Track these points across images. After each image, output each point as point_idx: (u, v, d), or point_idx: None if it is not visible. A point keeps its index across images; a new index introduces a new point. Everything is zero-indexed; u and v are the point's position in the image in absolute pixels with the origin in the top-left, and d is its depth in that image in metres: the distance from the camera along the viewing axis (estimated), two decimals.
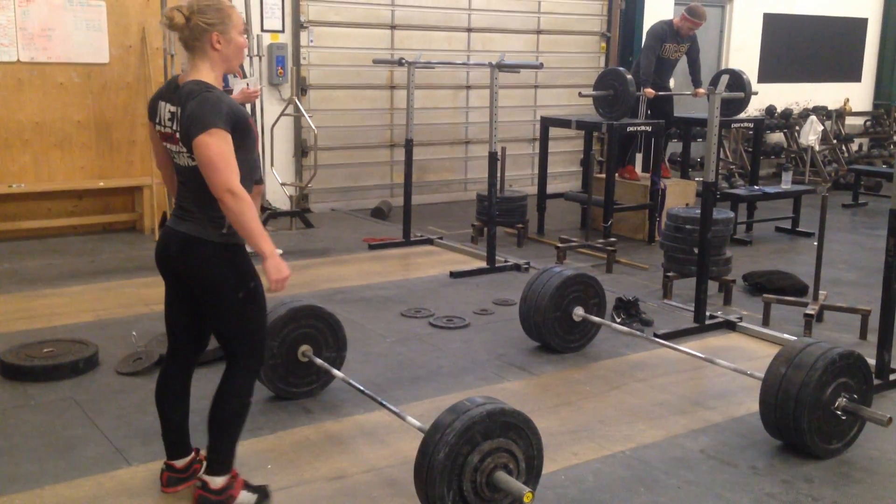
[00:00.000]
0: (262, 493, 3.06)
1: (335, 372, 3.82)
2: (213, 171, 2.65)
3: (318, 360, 3.84)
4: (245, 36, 2.90)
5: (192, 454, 3.16)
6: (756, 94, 8.19)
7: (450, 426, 2.78)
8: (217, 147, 2.65)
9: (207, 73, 2.80)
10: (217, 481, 2.93)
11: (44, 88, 7.07)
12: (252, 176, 2.91)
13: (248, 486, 3.03)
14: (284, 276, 2.80)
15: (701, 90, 7.89)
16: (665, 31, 7.88)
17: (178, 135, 2.77)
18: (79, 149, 7.30)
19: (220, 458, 2.95)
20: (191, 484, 3.07)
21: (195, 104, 2.69)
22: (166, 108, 2.84)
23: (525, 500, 2.73)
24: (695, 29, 7.93)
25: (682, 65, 8.30)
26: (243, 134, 2.79)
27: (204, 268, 2.85)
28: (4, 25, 6.81)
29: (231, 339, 2.96)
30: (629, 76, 7.34)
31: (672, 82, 8.64)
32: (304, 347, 3.84)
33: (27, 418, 3.71)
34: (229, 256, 2.87)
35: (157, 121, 2.89)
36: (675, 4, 10.54)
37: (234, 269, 2.87)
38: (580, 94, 7.67)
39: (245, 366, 2.97)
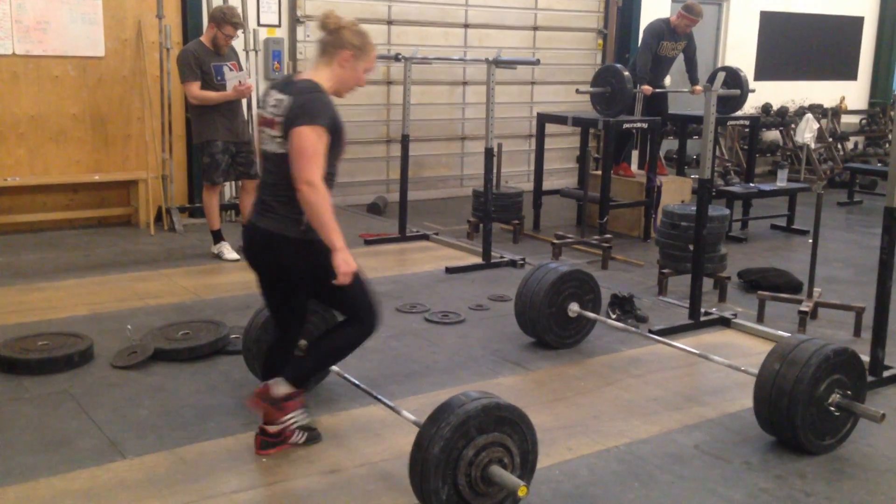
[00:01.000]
0: (311, 430, 3.35)
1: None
2: (302, 159, 2.87)
3: None
4: (367, 74, 3.17)
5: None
6: (754, 91, 8.20)
7: (445, 420, 2.78)
8: (313, 140, 2.88)
9: (324, 80, 3.06)
10: (283, 388, 3.19)
11: (39, 82, 7.06)
12: (329, 182, 3.07)
13: (302, 410, 3.30)
14: (352, 269, 2.99)
15: (698, 87, 7.89)
16: (662, 29, 7.89)
17: (277, 119, 2.96)
18: (74, 142, 7.28)
19: (298, 372, 3.22)
20: (282, 449, 3.31)
21: (308, 99, 2.93)
22: (273, 96, 3.04)
23: (520, 493, 2.75)
24: (692, 26, 7.94)
25: (679, 63, 8.32)
26: (336, 142, 3.03)
27: (289, 264, 3.08)
28: (0, 18, 6.78)
29: (343, 309, 3.22)
30: (626, 73, 7.34)
31: (668, 80, 8.64)
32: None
33: (22, 411, 3.71)
34: (310, 251, 3.03)
35: (261, 106, 3.10)
36: (672, 2, 10.54)
37: (318, 261, 3.03)
38: (577, 91, 7.67)
39: (366, 324, 3.20)
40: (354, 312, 3.21)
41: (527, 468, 2.96)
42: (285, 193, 3.02)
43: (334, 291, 3.10)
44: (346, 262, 2.97)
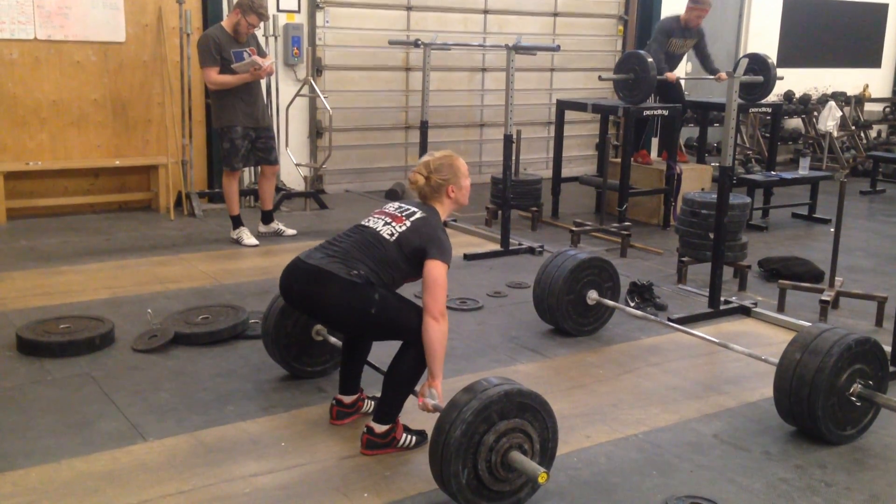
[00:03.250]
0: (422, 435, 3.35)
1: None
2: (436, 290, 3.15)
3: (332, 339, 3.86)
4: (469, 178, 3.44)
5: (358, 394, 3.56)
6: (782, 78, 8.09)
7: (467, 405, 2.79)
8: (444, 276, 3.18)
9: (443, 214, 3.37)
10: (381, 427, 3.27)
11: (61, 66, 7.09)
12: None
13: (407, 430, 3.33)
14: (435, 405, 3.16)
15: (723, 74, 7.83)
16: (672, 27, 7.82)
17: (405, 221, 3.24)
18: (95, 127, 7.32)
19: (387, 410, 3.28)
20: (354, 419, 3.51)
21: (437, 227, 3.25)
22: (400, 203, 3.39)
23: (539, 480, 2.75)
24: (703, 17, 7.81)
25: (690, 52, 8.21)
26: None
27: (324, 298, 3.18)
28: (22, 3, 6.82)
29: (398, 336, 3.27)
30: (650, 60, 7.27)
31: (689, 67, 8.56)
32: (318, 326, 3.86)
33: (44, 393, 3.74)
34: (348, 287, 3.14)
35: (388, 206, 3.39)
36: None
37: (358, 295, 3.15)
38: (600, 78, 7.61)
39: (417, 343, 3.20)
40: (410, 336, 3.22)
41: (546, 455, 2.96)
42: (355, 255, 3.19)
43: (381, 327, 3.22)
44: (439, 394, 3.17)
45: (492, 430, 2.80)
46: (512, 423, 2.84)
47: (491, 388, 2.83)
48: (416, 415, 3.40)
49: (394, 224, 3.24)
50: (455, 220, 7.23)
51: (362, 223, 3.34)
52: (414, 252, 3.19)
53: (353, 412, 3.56)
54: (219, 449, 3.29)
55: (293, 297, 3.31)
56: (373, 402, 3.59)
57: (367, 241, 3.22)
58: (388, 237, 3.21)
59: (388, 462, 3.22)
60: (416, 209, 3.29)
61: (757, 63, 7.76)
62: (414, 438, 3.33)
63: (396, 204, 3.38)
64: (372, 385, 3.90)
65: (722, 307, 5.05)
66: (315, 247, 3.33)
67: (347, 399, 3.54)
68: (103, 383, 3.85)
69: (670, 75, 7.62)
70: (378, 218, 3.31)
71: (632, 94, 7.38)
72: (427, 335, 3.13)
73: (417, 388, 3.29)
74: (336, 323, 3.42)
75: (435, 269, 3.17)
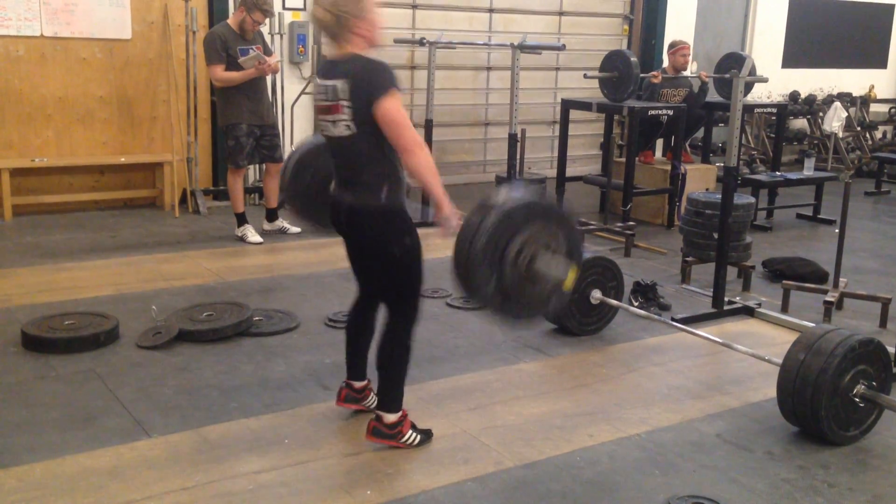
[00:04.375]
0: (427, 435, 3.36)
1: None
2: (402, 128, 2.97)
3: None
4: (379, 13, 3.12)
5: (367, 381, 3.56)
6: (766, 80, 8.17)
7: (489, 213, 2.75)
8: (397, 107, 2.96)
9: (359, 50, 3.07)
10: (390, 417, 3.26)
11: (67, 63, 7.11)
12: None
13: (414, 427, 3.33)
14: (456, 224, 3.05)
15: (703, 73, 8.09)
16: (654, 84, 7.89)
17: (341, 104, 3.00)
18: (101, 124, 7.33)
19: (389, 397, 3.27)
20: (359, 407, 3.52)
21: (366, 72, 2.97)
22: (320, 83, 3.09)
23: (565, 285, 2.77)
24: (686, 54, 8.01)
25: (704, 48, 8.22)
26: None
27: (367, 231, 3.16)
28: (28, 0, 6.83)
29: (389, 290, 3.25)
30: (634, 58, 7.38)
31: (695, 65, 8.56)
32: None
33: (48, 389, 3.76)
34: (388, 219, 3.13)
35: (315, 96, 3.16)
36: None
37: (393, 230, 3.13)
38: (585, 76, 7.68)
39: (403, 314, 3.23)
40: (401, 300, 3.21)
41: (574, 258, 2.93)
42: (361, 171, 3.10)
43: (388, 268, 3.19)
44: (453, 213, 3.05)
45: (515, 238, 2.76)
46: (535, 228, 2.79)
47: (512, 200, 2.79)
48: (423, 415, 3.40)
49: (339, 116, 3.02)
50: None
51: (325, 135, 3.16)
52: (373, 111, 2.99)
53: (361, 399, 3.56)
54: (222, 445, 3.30)
55: (343, 227, 3.28)
56: (418, 436, 3.47)
57: (352, 151, 3.08)
58: (347, 133, 3.03)
59: (391, 460, 3.23)
60: (336, 83, 3.00)
61: (735, 62, 7.89)
62: (419, 437, 3.32)
63: (321, 87, 3.08)
64: (373, 382, 3.91)
65: (726, 307, 5.05)
66: (336, 183, 3.23)
67: (358, 384, 3.55)
68: (107, 380, 3.86)
69: (656, 74, 7.87)
70: (326, 122, 3.10)
71: (616, 91, 7.49)
72: (414, 171, 3.01)
73: None
74: (365, 248, 3.27)
75: (382, 108, 2.94)
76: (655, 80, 7.80)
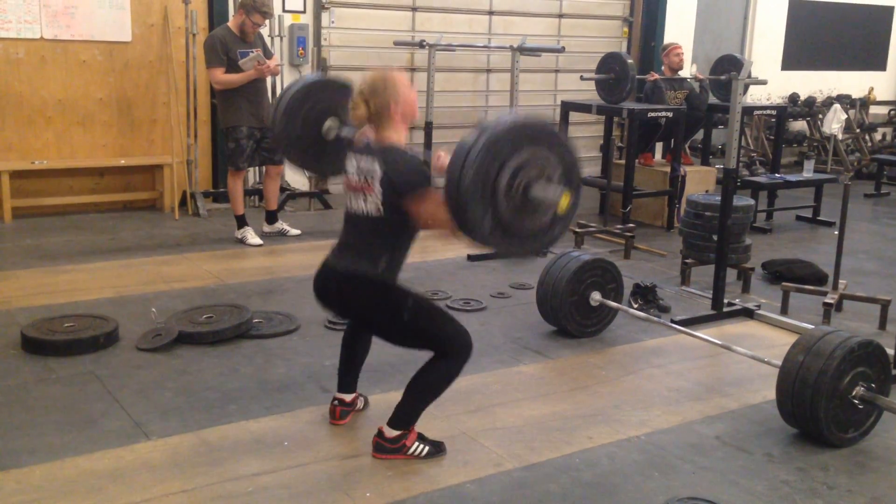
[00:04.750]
0: (436, 447, 3.29)
1: None
2: (436, 223, 2.96)
3: (345, 131, 3.72)
4: (414, 89, 3.22)
5: (357, 392, 3.58)
6: (765, 83, 8.21)
7: (473, 146, 2.62)
8: (433, 207, 2.94)
9: (395, 136, 3.16)
10: (393, 432, 3.22)
11: (67, 66, 7.11)
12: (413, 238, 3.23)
13: (422, 438, 3.27)
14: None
15: (698, 73, 8.19)
16: (662, 86, 7.90)
17: (374, 188, 3.06)
18: (100, 126, 7.34)
19: (404, 416, 3.23)
20: (350, 417, 3.51)
21: (402, 166, 3.04)
22: (356, 161, 3.16)
23: (560, 207, 2.70)
24: (680, 53, 8.06)
25: (703, 51, 8.24)
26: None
27: (361, 302, 3.18)
28: (28, 2, 6.84)
29: (427, 347, 3.19)
30: (630, 60, 7.42)
31: (694, 67, 8.58)
32: (329, 122, 3.70)
33: (48, 392, 3.76)
34: (383, 292, 3.14)
35: (346, 171, 3.23)
36: None
37: (391, 301, 3.13)
38: (581, 78, 7.70)
39: (455, 354, 3.16)
40: (440, 347, 3.17)
41: (572, 180, 2.80)
42: (370, 243, 3.14)
43: (411, 334, 3.18)
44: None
45: (505, 168, 2.63)
46: (524, 155, 2.67)
47: (497, 124, 2.66)
48: (422, 417, 3.40)
49: (368, 196, 3.09)
50: None
51: (348, 210, 3.21)
52: (405, 204, 3.05)
53: (353, 409, 3.58)
54: (222, 448, 3.30)
55: (330, 301, 3.28)
56: (364, 400, 3.62)
57: (368, 227, 3.12)
58: (376, 213, 3.08)
59: (391, 462, 3.22)
60: (374, 166, 3.08)
61: (731, 64, 7.99)
62: (426, 448, 3.26)
63: (353, 166, 3.17)
64: (364, 383, 3.92)
65: (725, 309, 5.05)
66: (335, 249, 3.26)
67: (348, 397, 3.55)
68: (107, 382, 3.86)
69: (652, 74, 7.94)
70: (355, 197, 3.17)
71: (611, 94, 7.53)
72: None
73: None
74: (370, 324, 3.33)
75: (415, 206, 3.01)
76: (651, 80, 7.83)
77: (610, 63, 7.58)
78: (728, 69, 7.89)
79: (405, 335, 3.21)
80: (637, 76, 7.65)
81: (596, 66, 7.73)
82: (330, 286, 3.22)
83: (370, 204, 3.10)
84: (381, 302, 3.13)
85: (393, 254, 3.15)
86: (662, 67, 8.17)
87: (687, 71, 8.43)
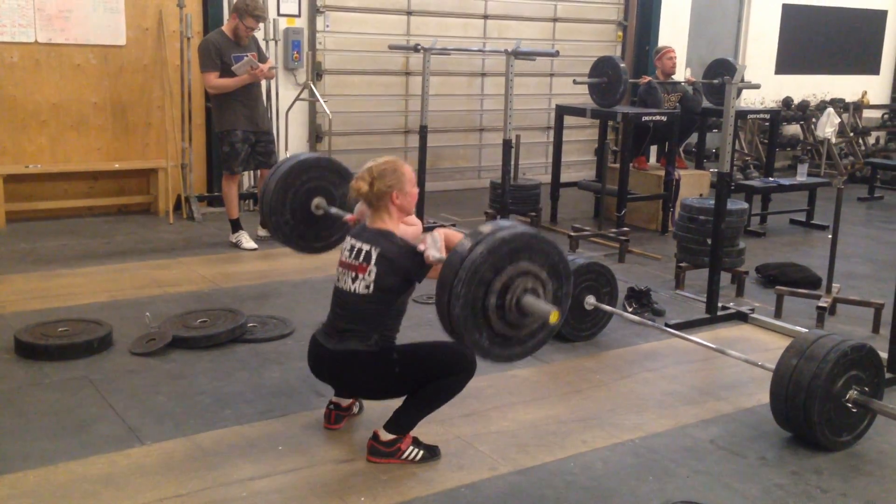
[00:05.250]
0: (431, 451, 3.30)
1: None
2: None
3: (333, 211, 3.94)
4: (415, 187, 3.34)
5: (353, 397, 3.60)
6: (758, 87, 8.23)
7: (455, 277, 2.68)
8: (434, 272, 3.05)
9: (390, 224, 3.27)
10: (388, 436, 3.24)
11: (61, 70, 7.10)
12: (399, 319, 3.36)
13: (416, 443, 3.28)
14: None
15: (691, 76, 8.22)
16: (655, 87, 7.92)
17: (369, 269, 3.18)
18: (95, 130, 7.33)
19: (402, 422, 3.24)
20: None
21: (399, 256, 3.16)
22: (351, 243, 3.30)
23: (551, 320, 2.75)
24: (673, 56, 8.10)
25: (698, 55, 8.26)
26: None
27: (355, 376, 3.25)
28: (23, 6, 6.84)
29: (431, 380, 3.21)
30: (622, 65, 7.45)
31: (688, 71, 8.61)
32: (317, 200, 3.90)
33: (41, 396, 3.75)
34: (373, 359, 3.21)
35: (343, 251, 3.34)
36: None
37: (380, 364, 3.20)
38: (574, 82, 7.72)
39: (459, 374, 3.22)
40: (444, 374, 3.21)
41: (562, 276, 2.90)
42: (359, 323, 3.21)
43: (410, 381, 3.22)
44: (440, 238, 3.15)
45: (490, 291, 2.72)
46: (509, 272, 2.75)
47: (473, 252, 2.71)
48: (430, 429, 3.40)
49: (361, 276, 3.20)
50: (454, 225, 7.24)
51: (337, 286, 3.30)
52: (398, 286, 3.20)
53: (348, 414, 3.58)
54: (216, 453, 3.30)
55: (325, 377, 3.38)
56: (359, 404, 3.63)
57: (356, 307, 3.21)
58: (365, 291, 3.18)
59: (385, 466, 3.22)
60: (369, 247, 3.21)
61: (724, 67, 8.02)
62: (421, 453, 3.27)
63: (349, 245, 3.30)
64: None
65: (719, 313, 5.06)
66: (326, 325, 3.34)
67: (344, 402, 3.56)
68: (101, 386, 3.86)
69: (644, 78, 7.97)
70: (345, 274, 3.26)
71: (604, 98, 7.56)
72: None
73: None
74: (371, 394, 3.41)
75: (431, 270, 3.16)
76: (644, 84, 7.86)
77: (602, 67, 7.62)
78: (720, 73, 7.93)
79: (406, 385, 3.24)
80: (630, 80, 7.67)
81: (588, 86, 7.75)
82: (322, 365, 3.32)
83: (360, 283, 3.20)
84: (371, 371, 3.21)
85: (382, 332, 3.23)
86: (656, 71, 8.20)
87: (680, 75, 8.46)
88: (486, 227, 2.82)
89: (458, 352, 3.20)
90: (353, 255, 3.25)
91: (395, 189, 3.26)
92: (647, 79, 7.91)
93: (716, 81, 7.97)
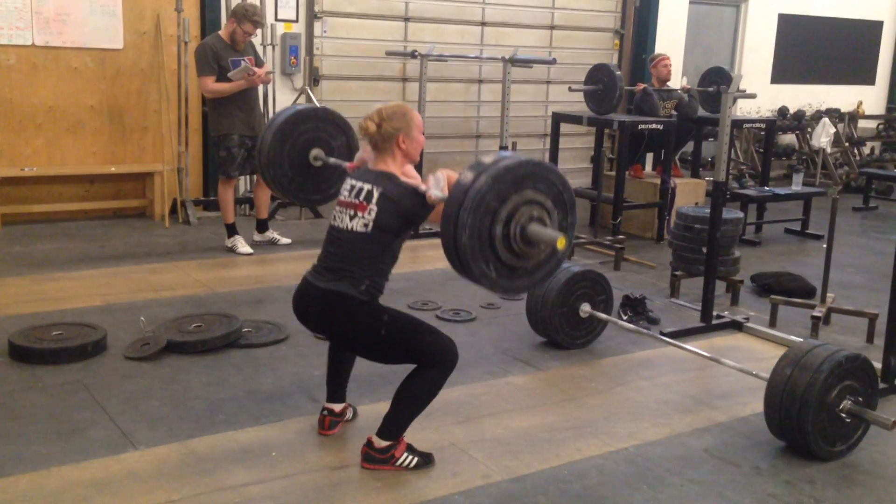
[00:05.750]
0: (426, 458, 3.29)
1: None
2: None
3: (332, 161, 3.92)
4: (423, 134, 3.31)
5: (346, 402, 3.58)
6: (754, 96, 8.24)
7: (461, 206, 2.67)
8: (440, 210, 2.94)
9: (394, 167, 3.22)
10: (382, 443, 3.22)
11: (58, 73, 7.10)
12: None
13: (410, 450, 3.26)
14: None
15: (686, 85, 8.26)
16: (652, 93, 7.95)
17: (369, 207, 3.13)
18: (91, 134, 7.32)
19: (393, 427, 3.22)
20: (340, 427, 3.51)
21: (402, 196, 3.11)
22: (351, 183, 3.24)
23: (559, 245, 2.74)
24: (667, 64, 8.14)
25: (694, 64, 8.29)
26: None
27: (340, 321, 3.18)
28: (20, 9, 6.83)
29: (411, 359, 3.20)
30: (618, 72, 7.49)
31: (685, 80, 8.63)
32: (315, 151, 3.87)
33: (35, 400, 3.74)
34: (361, 310, 3.15)
35: (343, 191, 3.29)
36: (690, 3, 10.50)
37: (367, 318, 3.16)
38: (570, 90, 7.75)
39: (439, 364, 3.17)
40: (422, 359, 3.19)
41: (565, 206, 2.88)
42: (352, 263, 3.16)
43: (390, 349, 3.19)
44: (444, 177, 3.06)
45: (497, 220, 2.71)
46: (514, 201, 2.74)
47: (477, 181, 2.70)
48: (411, 427, 3.40)
49: (360, 214, 3.14)
50: None
51: (333, 224, 3.25)
52: (398, 226, 3.14)
53: (342, 420, 3.57)
54: (209, 458, 3.29)
55: (309, 319, 3.30)
56: (353, 410, 3.61)
57: (353, 246, 3.16)
58: (363, 230, 3.13)
59: (379, 473, 3.21)
60: (370, 186, 3.16)
61: (719, 75, 8.06)
62: (416, 459, 3.25)
63: (349, 185, 3.25)
64: (352, 393, 3.91)
65: (714, 322, 5.07)
66: (317, 265, 3.27)
67: (338, 408, 3.55)
68: (95, 391, 3.84)
69: (640, 84, 8.03)
70: (342, 213, 3.22)
71: (600, 105, 7.60)
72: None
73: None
74: (350, 343, 3.32)
75: (432, 213, 3.11)
76: (639, 91, 7.90)
77: (598, 74, 7.65)
78: (716, 81, 7.97)
79: (385, 351, 3.21)
80: (626, 87, 7.70)
81: (583, 94, 7.78)
82: (309, 304, 3.25)
83: (358, 221, 3.15)
84: (358, 320, 3.15)
85: (374, 277, 3.18)
86: (651, 79, 8.23)
87: (676, 83, 8.48)
88: (488, 158, 2.81)
89: (444, 342, 3.19)
90: (353, 195, 3.20)
91: (402, 132, 3.22)
92: (642, 86, 7.95)
93: (711, 89, 7.99)
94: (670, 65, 8.20)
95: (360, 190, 3.18)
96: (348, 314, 3.15)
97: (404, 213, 3.13)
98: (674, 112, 8.04)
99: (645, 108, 7.91)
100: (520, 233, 2.75)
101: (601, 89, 7.56)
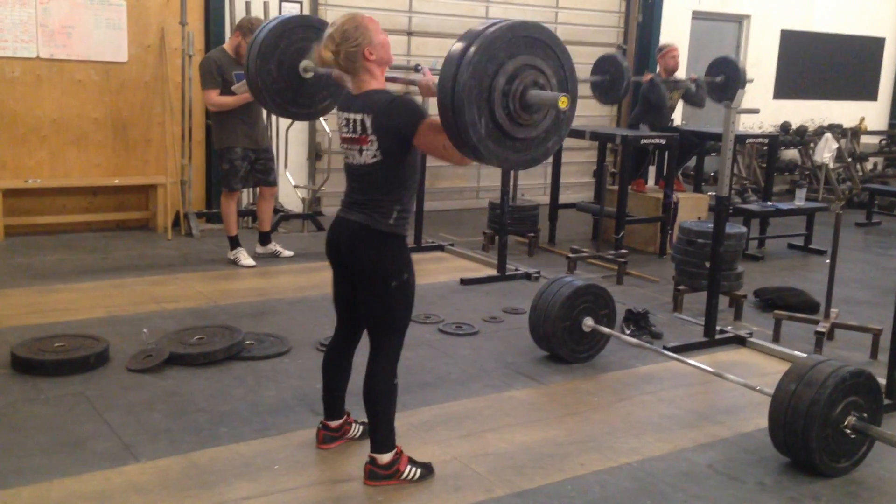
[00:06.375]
0: (426, 468, 3.29)
1: None
2: (444, 153, 2.97)
3: (321, 70, 3.72)
4: (384, 32, 3.15)
5: (345, 417, 3.54)
6: (752, 80, 8.23)
7: (468, 49, 2.60)
8: (433, 137, 2.97)
9: (375, 84, 3.13)
10: (384, 458, 3.20)
11: (62, 85, 7.12)
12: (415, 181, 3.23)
13: (412, 462, 3.26)
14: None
15: (693, 75, 8.18)
16: (659, 83, 7.95)
17: (368, 137, 3.07)
18: (95, 146, 7.34)
19: (381, 437, 3.21)
20: (341, 443, 3.50)
21: (390, 108, 3.02)
22: (345, 117, 3.17)
23: (560, 105, 2.69)
24: (675, 56, 8.08)
25: (693, 63, 8.30)
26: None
27: (367, 254, 3.15)
28: (25, 22, 6.87)
29: (377, 324, 3.21)
30: (625, 63, 7.55)
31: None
32: (305, 62, 3.73)
33: (37, 412, 3.73)
34: (391, 245, 3.16)
35: (340, 128, 3.22)
36: (693, 19, 10.54)
37: (393, 258, 3.16)
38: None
39: (386, 352, 3.20)
40: (378, 334, 3.19)
41: (566, 88, 2.83)
42: (376, 194, 3.14)
43: (381, 301, 3.17)
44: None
45: (501, 70, 2.64)
46: (521, 59, 2.68)
47: (489, 28, 2.65)
48: (414, 442, 3.39)
49: (365, 147, 3.10)
50: (452, 245, 7.25)
51: (347, 162, 3.21)
52: (402, 142, 3.06)
53: (340, 436, 3.53)
54: (211, 471, 3.28)
55: (340, 249, 3.23)
56: (361, 427, 3.57)
57: (374, 177, 3.12)
58: (375, 160, 3.09)
59: (381, 487, 3.20)
60: (361, 116, 3.08)
61: (725, 66, 8.03)
62: (419, 471, 3.25)
63: (343, 120, 3.18)
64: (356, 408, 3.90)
65: (717, 336, 5.05)
66: (345, 200, 3.25)
67: (333, 423, 3.52)
68: (97, 403, 3.84)
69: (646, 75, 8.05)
70: (351, 149, 3.17)
71: (607, 95, 7.67)
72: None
73: None
74: (364, 275, 3.19)
75: (419, 142, 3.04)
76: (646, 81, 7.88)
77: (604, 65, 7.65)
78: (723, 72, 7.95)
79: (378, 301, 3.16)
80: (633, 77, 7.70)
81: (587, 91, 7.78)
82: (342, 233, 3.21)
83: (367, 154, 3.11)
84: (384, 254, 3.13)
85: (401, 201, 3.14)
86: (658, 70, 8.15)
87: (682, 76, 8.45)
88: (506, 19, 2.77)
89: (401, 341, 3.23)
90: (350, 129, 3.15)
91: (365, 45, 3.07)
92: (649, 76, 7.89)
93: (718, 79, 7.97)
94: (678, 56, 8.08)
95: (354, 122, 3.12)
96: (378, 245, 3.13)
97: (401, 128, 3.03)
98: (681, 101, 8.05)
99: (652, 99, 7.87)
100: (520, 94, 2.69)
101: (608, 80, 7.57)
